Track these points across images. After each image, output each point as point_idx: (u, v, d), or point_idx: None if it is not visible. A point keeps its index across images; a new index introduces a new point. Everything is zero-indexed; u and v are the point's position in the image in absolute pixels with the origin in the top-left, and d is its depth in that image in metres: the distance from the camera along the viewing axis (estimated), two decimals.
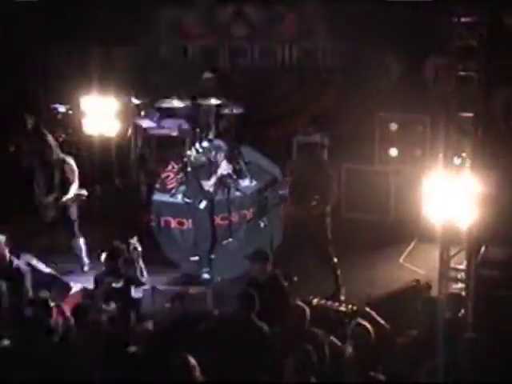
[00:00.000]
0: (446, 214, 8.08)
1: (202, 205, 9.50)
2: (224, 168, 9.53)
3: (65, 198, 9.54)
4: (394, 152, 10.54)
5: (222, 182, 9.86)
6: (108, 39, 12.19)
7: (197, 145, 10.66)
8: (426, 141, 10.28)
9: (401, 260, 9.73)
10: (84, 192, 9.85)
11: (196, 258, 9.77)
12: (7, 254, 8.14)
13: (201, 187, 9.45)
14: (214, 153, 9.54)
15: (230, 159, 10.14)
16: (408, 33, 10.16)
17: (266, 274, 7.61)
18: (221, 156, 9.51)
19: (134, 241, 8.51)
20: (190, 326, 6.29)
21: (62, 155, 9.75)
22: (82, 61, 12.68)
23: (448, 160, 8.12)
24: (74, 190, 9.62)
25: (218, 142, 9.81)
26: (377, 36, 10.47)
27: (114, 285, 7.69)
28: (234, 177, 10.57)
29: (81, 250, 9.88)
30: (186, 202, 9.83)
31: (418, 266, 9.40)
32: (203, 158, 9.74)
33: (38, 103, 12.65)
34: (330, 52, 11.10)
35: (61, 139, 11.23)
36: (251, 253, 7.86)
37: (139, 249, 8.04)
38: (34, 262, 8.96)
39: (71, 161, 9.73)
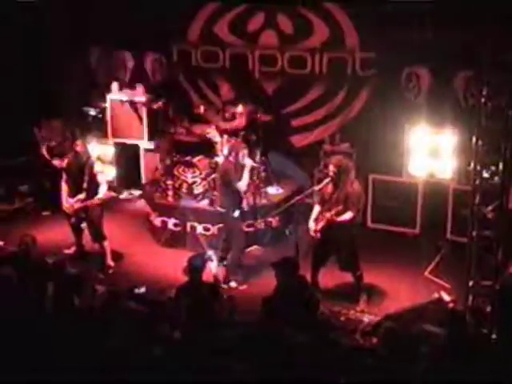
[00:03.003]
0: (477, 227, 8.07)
1: (237, 213, 9.47)
2: (249, 164, 9.52)
3: (95, 198, 9.59)
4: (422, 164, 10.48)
5: (252, 179, 9.90)
6: (140, 44, 12.29)
7: (225, 151, 10.68)
8: (455, 153, 10.21)
9: (426, 273, 9.66)
10: (113, 193, 9.92)
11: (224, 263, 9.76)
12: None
13: (232, 193, 9.42)
14: (233, 154, 9.51)
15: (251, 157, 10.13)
16: (439, 44, 10.11)
17: (293, 282, 7.59)
18: (243, 155, 9.49)
19: (211, 253, 8.98)
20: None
21: (91, 158, 9.82)
22: (113, 65, 12.78)
23: (477, 173, 8.11)
24: (103, 191, 9.68)
25: (236, 142, 9.80)
26: (408, 46, 10.44)
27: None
28: (261, 171, 10.63)
29: (105, 252, 9.95)
30: (221, 212, 9.80)
31: (443, 280, 9.33)
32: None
33: (68, 106, 12.75)
34: (359, 61, 11.08)
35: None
36: (278, 261, 7.83)
37: (215, 262, 8.19)
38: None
39: (100, 164, 9.80)
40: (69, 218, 9.89)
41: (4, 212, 11.74)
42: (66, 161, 9.98)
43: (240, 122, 10.84)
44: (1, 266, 7.87)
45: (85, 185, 9.62)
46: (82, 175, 9.64)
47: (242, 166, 9.45)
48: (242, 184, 9.43)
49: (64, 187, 9.84)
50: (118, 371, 5.66)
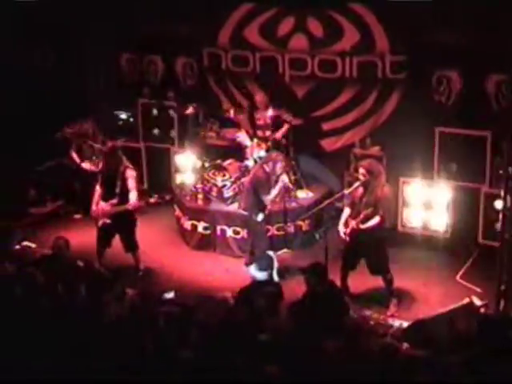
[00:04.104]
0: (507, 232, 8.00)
1: (260, 217, 9.50)
2: (283, 181, 9.51)
3: (123, 206, 9.47)
4: (453, 167, 10.40)
5: (280, 194, 9.88)
6: (171, 48, 12.36)
7: (255, 155, 10.73)
8: (486, 157, 10.12)
9: (457, 277, 9.59)
10: (142, 203, 9.72)
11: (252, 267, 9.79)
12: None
13: (258, 199, 9.45)
14: (271, 164, 9.53)
15: (287, 171, 10.15)
16: (470, 47, 10.05)
17: (323, 287, 7.57)
18: (280, 168, 9.49)
19: (273, 253, 9.20)
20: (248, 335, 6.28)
21: (125, 162, 9.77)
22: (144, 68, 12.87)
23: (509, 176, 8.04)
24: (134, 197, 9.55)
25: (276, 154, 9.80)
26: (438, 49, 10.39)
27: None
28: (293, 189, 10.62)
29: (137, 259, 10.01)
30: (242, 213, 9.84)
31: (475, 284, 9.26)
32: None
33: (99, 109, 12.86)
34: (389, 65, 11.03)
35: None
36: (308, 265, 7.82)
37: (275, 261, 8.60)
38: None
39: (133, 170, 9.78)
40: (96, 221, 9.77)
41: (36, 215, 11.88)
42: (100, 164, 9.96)
43: (286, 129, 10.96)
44: (32, 268, 7.95)
45: (117, 190, 9.55)
46: (115, 179, 9.57)
47: (276, 178, 9.46)
48: (269, 198, 9.44)
49: (98, 190, 9.76)
50: (148, 372, 5.72)
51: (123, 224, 9.69)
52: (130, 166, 9.78)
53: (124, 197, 9.55)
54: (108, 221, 9.61)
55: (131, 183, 9.59)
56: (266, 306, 7.08)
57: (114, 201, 9.57)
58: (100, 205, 9.67)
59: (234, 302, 7.42)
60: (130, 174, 9.63)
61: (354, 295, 8.96)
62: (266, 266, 7.89)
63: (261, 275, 7.87)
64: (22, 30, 12.16)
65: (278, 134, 10.98)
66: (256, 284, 7.85)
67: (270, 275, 8.07)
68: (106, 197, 9.67)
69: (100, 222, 9.71)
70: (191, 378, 5.62)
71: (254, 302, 7.22)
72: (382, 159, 10.59)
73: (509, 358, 5.89)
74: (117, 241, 9.93)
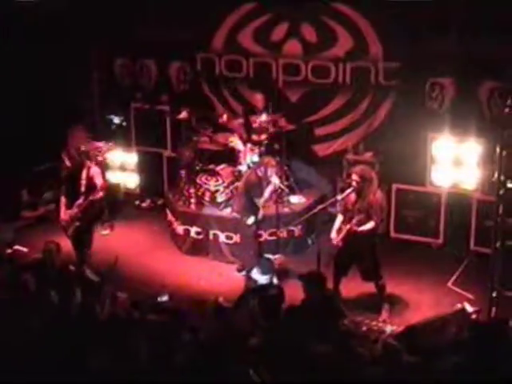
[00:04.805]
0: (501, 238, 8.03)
1: (250, 220, 9.52)
2: (275, 184, 9.54)
3: (97, 191, 9.27)
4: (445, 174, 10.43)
5: (273, 198, 9.89)
6: (164, 53, 12.36)
7: (248, 159, 10.72)
8: (479, 164, 10.13)
9: (449, 284, 9.60)
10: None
11: (244, 272, 9.80)
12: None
13: (251, 203, 9.47)
14: (263, 169, 9.56)
15: (280, 175, 10.17)
16: (463, 54, 10.09)
17: (320, 295, 7.54)
18: (271, 172, 9.52)
19: (273, 257, 9.30)
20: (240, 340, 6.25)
21: (88, 162, 9.60)
22: (137, 72, 12.85)
23: (501, 183, 8.07)
24: (100, 190, 9.38)
25: (268, 159, 9.81)
26: (432, 56, 10.42)
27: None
28: (286, 192, 10.61)
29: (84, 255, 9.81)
30: (235, 217, 9.86)
31: (467, 291, 9.26)
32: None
33: (91, 113, 12.84)
34: (383, 71, 11.06)
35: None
36: (306, 273, 7.78)
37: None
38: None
39: (97, 167, 9.63)
40: (66, 230, 9.60)
41: (28, 219, 11.84)
42: (63, 172, 9.83)
43: (271, 132, 10.92)
44: (23, 272, 7.92)
45: (82, 188, 9.32)
46: (79, 181, 9.34)
47: (268, 182, 9.48)
48: (261, 201, 9.46)
49: (63, 200, 9.57)
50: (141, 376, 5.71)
51: (91, 220, 9.62)
52: (93, 164, 9.69)
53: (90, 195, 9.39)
54: (78, 223, 9.47)
55: (98, 180, 9.43)
56: (268, 308, 7.08)
57: (80, 201, 9.37)
58: (67, 213, 9.49)
59: (232, 306, 7.42)
60: (96, 171, 9.49)
61: (346, 301, 8.94)
62: (268, 269, 7.93)
63: (263, 279, 7.91)
64: (19, 31, 12.11)
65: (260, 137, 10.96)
66: (259, 287, 7.84)
67: (270, 279, 8.10)
68: (71, 203, 9.46)
69: (71, 230, 9.55)
70: (184, 381, 5.61)
71: (254, 305, 7.22)
72: (374, 165, 10.59)
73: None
74: (101, 243, 10.00)
